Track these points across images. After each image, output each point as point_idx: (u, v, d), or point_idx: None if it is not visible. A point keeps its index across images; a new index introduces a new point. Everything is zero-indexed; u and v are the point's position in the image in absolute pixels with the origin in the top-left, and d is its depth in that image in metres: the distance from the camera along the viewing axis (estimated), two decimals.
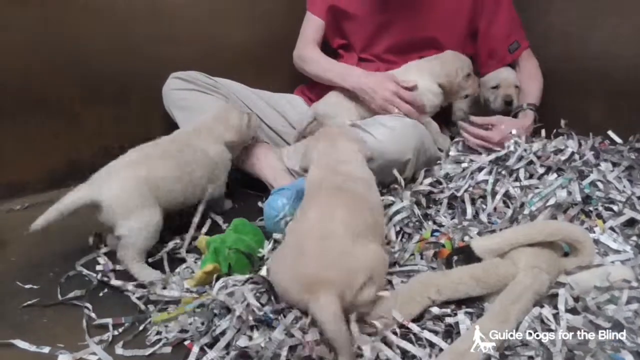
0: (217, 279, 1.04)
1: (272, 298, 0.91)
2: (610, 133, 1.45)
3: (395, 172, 1.29)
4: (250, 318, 0.86)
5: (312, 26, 1.73)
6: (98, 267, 1.15)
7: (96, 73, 1.55)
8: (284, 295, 0.87)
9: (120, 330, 0.95)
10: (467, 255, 1.00)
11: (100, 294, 1.07)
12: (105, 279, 1.10)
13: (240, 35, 1.79)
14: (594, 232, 1.13)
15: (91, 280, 1.10)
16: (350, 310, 0.82)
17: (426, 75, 1.54)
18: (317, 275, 0.81)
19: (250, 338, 0.86)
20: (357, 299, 0.82)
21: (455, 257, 1.01)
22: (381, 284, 0.90)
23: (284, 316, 0.86)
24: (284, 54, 1.72)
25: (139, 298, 1.04)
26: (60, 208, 1.07)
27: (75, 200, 1.09)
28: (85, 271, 1.14)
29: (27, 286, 1.09)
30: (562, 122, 1.50)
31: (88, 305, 1.02)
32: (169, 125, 1.60)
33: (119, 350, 0.90)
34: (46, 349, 0.91)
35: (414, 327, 0.88)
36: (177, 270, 1.15)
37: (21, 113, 1.45)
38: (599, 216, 1.19)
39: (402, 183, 1.29)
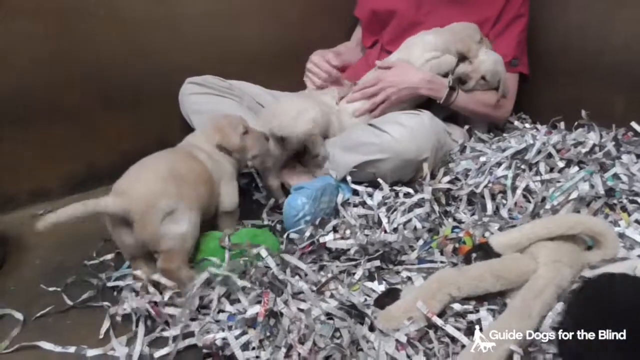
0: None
1: None
2: (634, 124, 1.41)
3: (425, 166, 1.28)
4: None
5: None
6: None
7: (114, 80, 1.57)
8: None
9: (143, 329, 0.96)
10: (485, 252, 0.99)
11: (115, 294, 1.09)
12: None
13: (254, 39, 1.79)
14: (619, 226, 1.11)
15: (103, 283, 1.12)
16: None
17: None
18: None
19: None
20: None
21: (474, 255, 1.00)
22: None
23: None
24: (298, 56, 1.72)
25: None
26: None
27: None
28: (99, 273, 1.15)
29: (51, 289, 1.11)
30: (584, 112, 1.47)
31: (107, 304, 1.03)
32: (187, 130, 1.61)
33: (145, 349, 0.92)
34: (72, 349, 0.93)
35: (438, 321, 0.87)
36: None
37: (42, 122, 1.48)
38: (624, 209, 1.16)
39: (428, 177, 1.28)
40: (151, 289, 1.02)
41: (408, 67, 1.51)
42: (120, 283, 1.09)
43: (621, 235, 1.08)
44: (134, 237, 0.99)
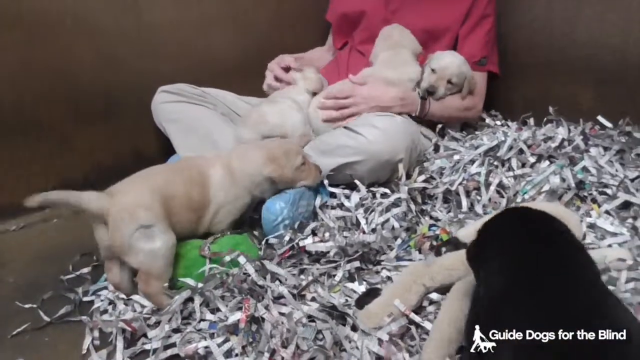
0: None
1: None
2: (600, 118, 1.46)
3: (400, 166, 1.29)
4: None
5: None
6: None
7: (85, 92, 1.54)
8: None
9: (122, 342, 0.95)
10: (455, 245, 1.02)
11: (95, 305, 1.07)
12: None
13: (226, 47, 1.80)
14: (590, 217, 1.14)
15: (80, 297, 1.10)
16: None
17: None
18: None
19: None
20: None
21: (444, 249, 1.03)
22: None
23: None
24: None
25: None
26: None
27: None
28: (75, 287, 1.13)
29: (26, 306, 1.08)
30: (551, 108, 1.51)
31: (85, 318, 1.01)
32: (161, 140, 1.60)
33: None
34: None
35: (416, 318, 0.89)
36: None
37: (12, 136, 1.45)
38: (594, 201, 1.20)
39: (404, 177, 1.29)
40: (121, 306, 1.02)
41: (382, 86, 1.51)
42: (95, 299, 1.08)
43: (592, 226, 1.12)
44: (107, 239, 1.00)
